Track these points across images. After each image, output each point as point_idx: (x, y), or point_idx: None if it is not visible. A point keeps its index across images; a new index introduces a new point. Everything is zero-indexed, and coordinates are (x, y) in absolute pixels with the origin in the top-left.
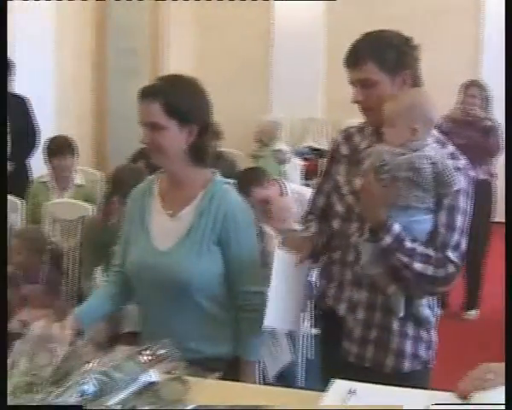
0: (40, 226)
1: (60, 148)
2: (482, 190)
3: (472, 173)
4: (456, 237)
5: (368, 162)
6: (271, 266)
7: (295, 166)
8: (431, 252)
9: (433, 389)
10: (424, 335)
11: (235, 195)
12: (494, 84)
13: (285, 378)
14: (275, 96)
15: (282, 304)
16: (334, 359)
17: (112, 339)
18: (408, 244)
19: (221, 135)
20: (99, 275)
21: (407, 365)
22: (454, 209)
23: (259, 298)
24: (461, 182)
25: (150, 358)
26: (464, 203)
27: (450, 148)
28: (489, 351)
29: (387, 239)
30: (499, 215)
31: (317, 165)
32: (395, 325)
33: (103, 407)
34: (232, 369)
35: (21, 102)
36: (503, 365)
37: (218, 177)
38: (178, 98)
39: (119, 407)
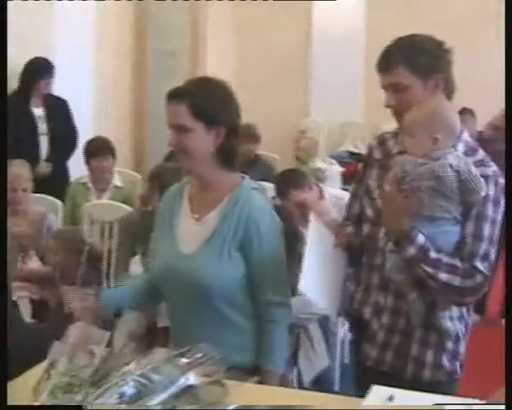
0: (78, 227)
1: (98, 149)
2: None
3: (502, 181)
4: (484, 246)
5: (391, 173)
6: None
7: (334, 170)
8: (458, 262)
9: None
10: (449, 345)
11: (261, 200)
12: None
13: (321, 383)
14: (313, 99)
15: (316, 273)
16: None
17: (149, 333)
18: (433, 255)
19: (259, 138)
20: (134, 266)
21: (427, 374)
22: (482, 218)
23: (282, 309)
24: (490, 189)
25: (189, 361)
26: (493, 212)
27: (480, 155)
28: None
29: (411, 250)
30: None
31: (356, 169)
32: (417, 333)
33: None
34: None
35: (61, 104)
36: None
37: (247, 181)
38: (205, 100)
39: (159, 406)
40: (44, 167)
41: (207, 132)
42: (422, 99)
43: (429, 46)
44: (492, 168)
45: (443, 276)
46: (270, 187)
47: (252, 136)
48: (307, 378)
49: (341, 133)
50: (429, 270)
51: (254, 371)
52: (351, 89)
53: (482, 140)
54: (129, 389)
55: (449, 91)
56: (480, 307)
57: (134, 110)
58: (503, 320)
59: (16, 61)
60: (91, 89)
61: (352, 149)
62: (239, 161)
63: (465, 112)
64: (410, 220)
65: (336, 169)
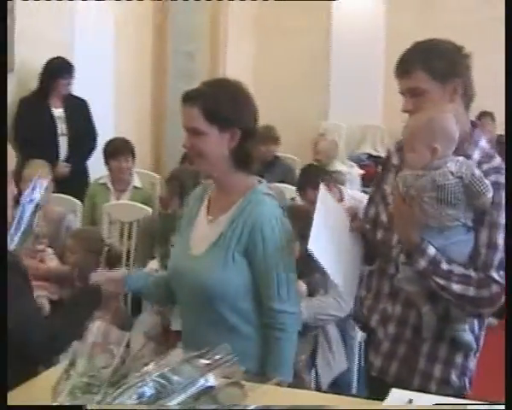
0: (97, 228)
1: (118, 150)
2: None
3: None
4: (499, 255)
5: (394, 189)
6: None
7: (354, 173)
8: (471, 273)
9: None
10: (458, 360)
11: (271, 207)
12: None
13: (339, 386)
14: (333, 101)
15: (324, 235)
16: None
17: (164, 335)
18: (444, 267)
19: (278, 139)
20: (154, 265)
21: (434, 389)
22: (496, 227)
23: (286, 317)
24: (502, 198)
25: (208, 362)
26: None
27: (496, 161)
28: None
29: (422, 262)
30: None
31: (375, 172)
32: (425, 346)
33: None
34: None
35: (81, 104)
36: None
37: (261, 186)
38: (218, 103)
39: (177, 407)
40: (63, 168)
41: (221, 135)
42: (440, 105)
43: (448, 51)
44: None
45: (456, 287)
46: (289, 188)
47: (271, 137)
48: (325, 381)
49: (361, 136)
50: (441, 282)
51: (261, 380)
52: (370, 91)
53: (502, 144)
54: (148, 390)
55: (468, 97)
56: (498, 311)
57: (153, 111)
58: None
59: (36, 62)
60: (111, 89)
61: (371, 151)
62: (256, 164)
63: (485, 115)
64: (420, 233)
65: (356, 171)
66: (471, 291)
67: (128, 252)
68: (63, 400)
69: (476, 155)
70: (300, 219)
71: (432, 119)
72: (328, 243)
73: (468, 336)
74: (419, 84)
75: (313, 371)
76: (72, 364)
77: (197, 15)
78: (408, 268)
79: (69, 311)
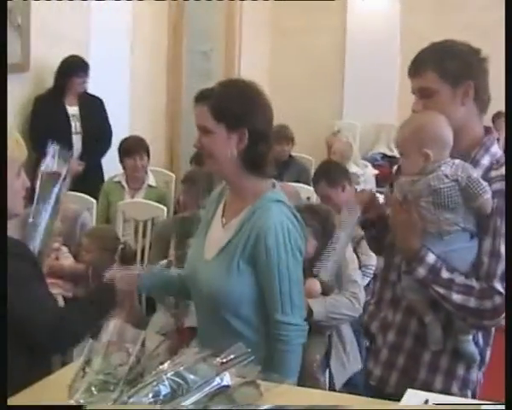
0: (112, 226)
1: (133, 148)
2: None
3: None
4: (503, 264)
5: (392, 197)
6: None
7: (368, 173)
8: (473, 283)
9: None
10: (460, 372)
11: (278, 216)
12: None
13: (353, 387)
14: (347, 100)
15: None
16: None
17: (177, 332)
18: (445, 275)
19: (292, 139)
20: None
21: None
22: (500, 235)
23: (289, 329)
24: (503, 206)
25: (224, 361)
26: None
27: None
28: None
29: (421, 271)
30: None
31: (390, 172)
32: (426, 356)
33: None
34: None
35: (96, 103)
36: None
37: (272, 192)
38: (226, 102)
39: (191, 406)
40: (78, 166)
41: (229, 135)
42: (451, 107)
43: (461, 52)
44: None
45: (456, 297)
46: (304, 188)
47: (285, 137)
48: (339, 382)
49: (375, 135)
50: (441, 291)
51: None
52: (385, 91)
53: None
54: (164, 389)
55: (481, 101)
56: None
57: (168, 110)
58: None
59: (52, 61)
60: (126, 88)
61: (385, 151)
62: (270, 168)
63: (500, 116)
64: (419, 240)
65: (370, 171)
66: (472, 302)
67: (142, 250)
68: (79, 397)
69: (485, 161)
70: (317, 219)
71: (421, 124)
72: None
73: (471, 347)
74: (429, 84)
75: (327, 372)
76: (87, 362)
77: (213, 15)
78: (409, 277)
79: (83, 307)
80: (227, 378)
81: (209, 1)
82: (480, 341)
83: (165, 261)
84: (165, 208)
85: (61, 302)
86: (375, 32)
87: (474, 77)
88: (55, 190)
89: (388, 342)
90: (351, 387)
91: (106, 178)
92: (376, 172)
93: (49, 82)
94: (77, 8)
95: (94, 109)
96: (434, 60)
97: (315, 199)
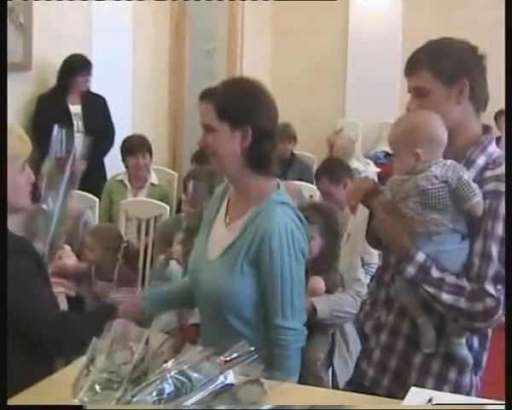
0: (115, 224)
1: (135, 147)
2: None
3: None
4: (495, 267)
5: (382, 197)
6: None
7: (370, 170)
8: (464, 283)
9: None
10: (452, 375)
11: (282, 218)
12: None
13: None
14: (349, 99)
15: None
16: None
17: (180, 329)
18: (435, 274)
19: (294, 137)
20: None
21: None
22: (490, 237)
23: (288, 334)
24: (501, 207)
25: (227, 359)
26: (504, 231)
27: (502, 169)
28: None
29: (410, 269)
30: None
31: (392, 170)
32: (417, 359)
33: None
34: None
35: (99, 101)
36: None
37: (277, 194)
38: (230, 100)
39: (194, 406)
40: (80, 164)
41: (232, 133)
42: (446, 106)
43: (457, 50)
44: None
45: (446, 297)
46: (306, 186)
47: (288, 135)
48: (342, 381)
49: (377, 134)
50: (431, 290)
51: None
52: (387, 89)
53: None
54: (168, 387)
55: (478, 99)
56: None
57: (171, 109)
58: None
59: (54, 60)
60: (129, 87)
61: (388, 149)
62: (274, 167)
63: (501, 114)
64: (409, 240)
65: (372, 169)
66: (462, 303)
67: (145, 249)
68: (83, 395)
69: (480, 161)
70: (321, 216)
71: (414, 123)
72: None
73: (463, 351)
74: (424, 83)
75: (330, 370)
76: (91, 360)
77: (215, 14)
78: (400, 278)
79: (84, 317)
80: (231, 377)
81: (210, 0)
82: (476, 345)
83: (162, 256)
84: (167, 207)
85: (64, 301)
86: (376, 32)
87: (469, 75)
88: (66, 174)
89: (381, 342)
90: (354, 385)
91: (108, 176)
92: (378, 170)
93: (52, 81)
94: (79, 7)
95: (97, 108)
96: (429, 59)
97: (317, 197)
